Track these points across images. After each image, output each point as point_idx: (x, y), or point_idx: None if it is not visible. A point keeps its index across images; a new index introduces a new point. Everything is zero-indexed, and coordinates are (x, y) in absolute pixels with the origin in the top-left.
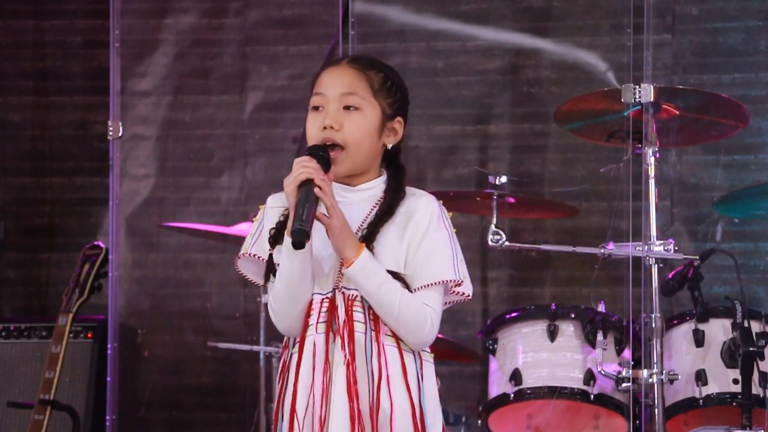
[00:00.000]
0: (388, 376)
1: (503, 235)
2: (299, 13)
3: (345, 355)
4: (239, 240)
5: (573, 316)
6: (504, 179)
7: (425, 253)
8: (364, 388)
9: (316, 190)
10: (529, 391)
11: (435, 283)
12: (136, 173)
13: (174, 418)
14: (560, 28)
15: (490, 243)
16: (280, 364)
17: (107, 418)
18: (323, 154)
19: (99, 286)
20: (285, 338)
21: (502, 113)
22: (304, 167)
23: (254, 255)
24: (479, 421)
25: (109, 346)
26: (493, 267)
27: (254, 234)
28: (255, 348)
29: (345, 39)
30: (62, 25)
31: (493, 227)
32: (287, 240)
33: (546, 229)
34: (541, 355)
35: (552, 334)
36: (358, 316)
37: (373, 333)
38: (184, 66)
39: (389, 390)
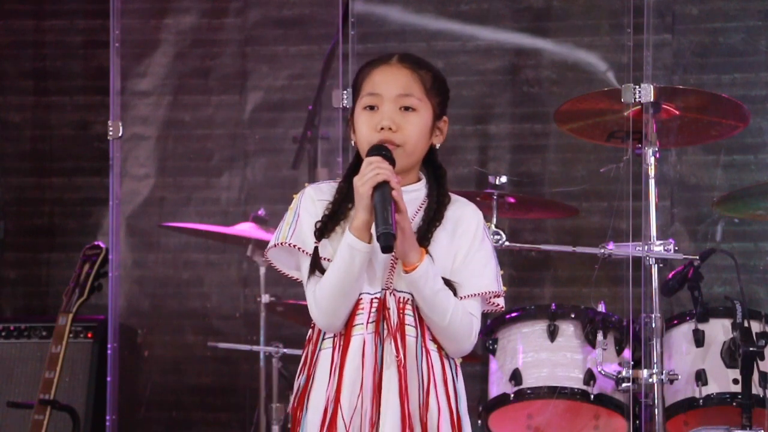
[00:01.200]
0: (435, 381)
1: (503, 235)
2: (299, 13)
3: (400, 359)
4: (239, 240)
5: (573, 316)
6: (504, 179)
7: (475, 263)
8: (413, 392)
9: (394, 193)
10: (529, 391)
11: (480, 294)
12: (136, 173)
13: (174, 418)
14: (560, 28)
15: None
16: (303, 359)
17: (107, 418)
18: (387, 154)
19: (99, 286)
20: (309, 333)
21: (502, 113)
22: (380, 168)
23: (295, 246)
24: (479, 421)
25: (109, 346)
26: None
27: (291, 223)
28: (255, 348)
29: (345, 39)
30: (62, 25)
31: (493, 227)
32: (351, 238)
33: (546, 229)
34: (541, 355)
35: (552, 334)
36: (409, 319)
37: (421, 338)
38: (184, 66)
39: (437, 394)
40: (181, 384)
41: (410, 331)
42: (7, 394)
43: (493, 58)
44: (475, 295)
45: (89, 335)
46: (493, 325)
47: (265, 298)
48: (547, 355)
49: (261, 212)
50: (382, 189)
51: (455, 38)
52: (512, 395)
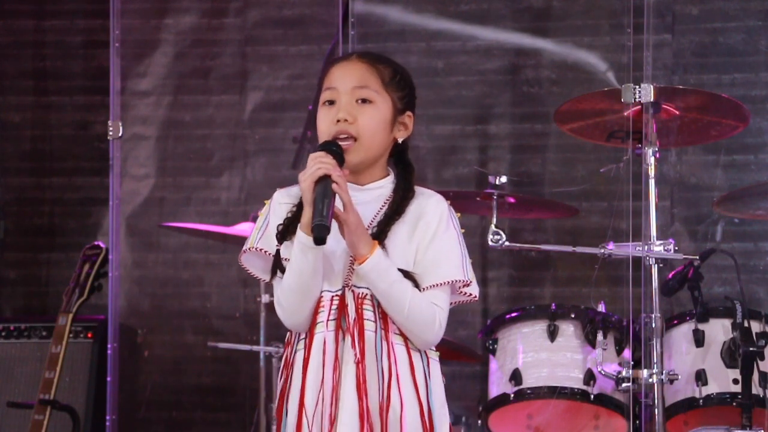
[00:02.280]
0: (397, 374)
1: (503, 235)
2: (299, 13)
3: (355, 354)
4: (239, 240)
5: (573, 316)
6: (504, 179)
7: (435, 253)
8: (373, 387)
9: (334, 186)
10: (529, 391)
11: (444, 283)
12: (136, 173)
13: (174, 418)
14: (560, 28)
15: (490, 243)
16: (282, 361)
17: (107, 418)
18: (336, 150)
19: (99, 286)
20: (287, 336)
21: (502, 113)
22: (321, 162)
23: (261, 250)
24: (479, 421)
25: (109, 346)
26: (493, 267)
27: (260, 228)
28: (255, 348)
29: (345, 39)
30: (62, 25)
31: (493, 227)
32: (301, 235)
33: (546, 229)
34: (541, 355)
35: (552, 334)
36: (368, 314)
37: (383, 332)
38: (184, 66)
39: (399, 388)
40: (181, 384)
41: (369, 326)
42: (7, 394)
43: (493, 58)
44: (437, 285)
45: (89, 335)
46: (493, 325)
47: (265, 298)
48: (547, 355)
49: (260, 212)
50: (324, 183)
51: (455, 38)
52: (512, 395)
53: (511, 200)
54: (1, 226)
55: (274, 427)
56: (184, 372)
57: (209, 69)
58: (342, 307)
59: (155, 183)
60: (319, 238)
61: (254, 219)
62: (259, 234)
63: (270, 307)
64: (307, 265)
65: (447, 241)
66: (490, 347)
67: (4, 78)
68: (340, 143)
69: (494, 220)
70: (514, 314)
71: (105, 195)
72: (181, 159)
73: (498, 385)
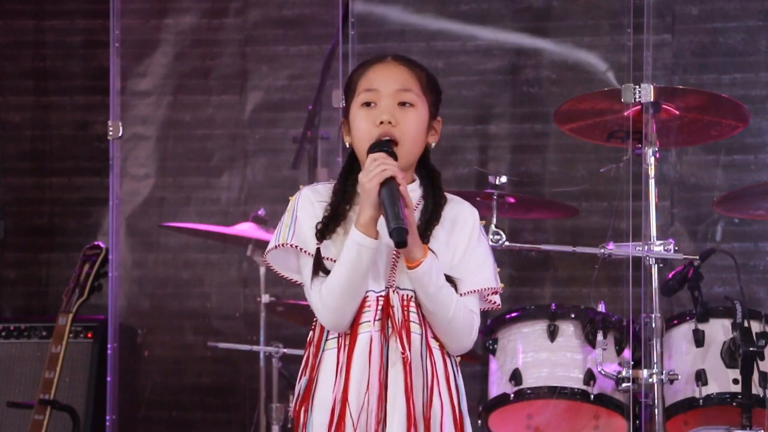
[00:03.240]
0: (437, 378)
1: (503, 235)
2: (299, 13)
3: (406, 356)
4: (239, 240)
5: (573, 316)
6: (504, 179)
7: (474, 259)
8: (417, 390)
9: (401, 188)
10: (529, 391)
11: (478, 290)
12: (136, 173)
13: (174, 418)
14: (560, 28)
15: (490, 243)
16: (304, 361)
17: (107, 418)
18: (389, 150)
19: (99, 286)
20: (310, 335)
21: (502, 113)
22: (386, 164)
23: (296, 247)
24: (479, 421)
25: (109, 346)
26: None
27: (289, 225)
28: (255, 348)
29: (345, 39)
30: (62, 25)
31: (493, 227)
32: (357, 235)
33: (546, 229)
34: (541, 355)
35: (552, 334)
36: (414, 317)
37: (425, 335)
38: (184, 66)
39: (440, 392)
40: (181, 384)
41: (415, 329)
42: (7, 394)
43: (493, 58)
44: (474, 291)
45: (89, 335)
46: (493, 325)
47: (265, 298)
48: (547, 355)
49: (261, 212)
50: (390, 185)
51: (455, 38)
52: (512, 395)
53: (511, 200)
54: (1, 226)
55: (275, 427)
56: (184, 372)
57: (209, 69)
58: (387, 308)
59: (155, 183)
60: (402, 242)
61: (254, 219)
62: (289, 231)
63: (270, 307)
64: (360, 265)
65: (482, 248)
66: (490, 347)
67: (4, 78)
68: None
69: (494, 220)
70: (514, 314)
71: (105, 195)
72: (181, 159)
73: (498, 385)
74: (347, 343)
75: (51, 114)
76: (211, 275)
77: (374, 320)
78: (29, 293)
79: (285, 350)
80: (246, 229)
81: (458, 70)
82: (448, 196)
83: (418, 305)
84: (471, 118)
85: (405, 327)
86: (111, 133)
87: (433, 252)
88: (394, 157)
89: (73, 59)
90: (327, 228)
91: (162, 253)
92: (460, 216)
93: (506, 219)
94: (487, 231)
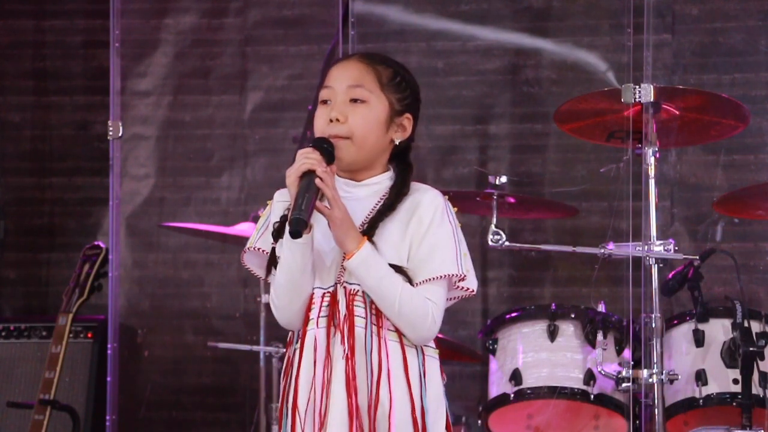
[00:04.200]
0: (389, 370)
1: (503, 235)
2: (299, 13)
3: (344, 350)
4: (239, 240)
5: (573, 316)
6: (504, 179)
7: (428, 247)
8: (363, 383)
9: (317, 181)
10: (529, 391)
11: (437, 278)
12: (136, 173)
13: (174, 418)
14: (560, 28)
15: (490, 243)
16: (285, 361)
17: (107, 418)
18: (327, 147)
19: (99, 286)
20: (289, 335)
21: (502, 113)
22: (306, 158)
23: (258, 249)
24: (479, 421)
25: (109, 346)
26: (493, 267)
27: (260, 229)
28: (255, 348)
29: (345, 39)
30: (62, 25)
31: (493, 227)
32: (288, 231)
33: (546, 229)
34: (541, 355)
35: (552, 334)
36: (359, 310)
37: (375, 327)
38: (184, 66)
39: (389, 385)
40: (181, 384)
41: (359, 322)
42: (7, 394)
43: (493, 58)
44: (430, 279)
45: (89, 335)
46: (493, 325)
47: (265, 298)
48: (547, 355)
49: (261, 212)
50: (308, 177)
51: (455, 38)
52: (512, 395)
53: (511, 200)
54: (1, 226)
55: (275, 427)
56: (184, 372)
57: (209, 69)
58: (333, 304)
59: (155, 183)
60: (295, 232)
61: (254, 219)
62: (258, 234)
63: (270, 307)
64: (295, 261)
65: (441, 234)
66: (490, 347)
67: (4, 78)
68: (332, 139)
69: (494, 220)
70: (514, 314)
71: (105, 195)
72: (181, 159)
73: (498, 385)
74: (300, 341)
75: (51, 114)
76: (211, 275)
77: (318, 317)
78: (29, 293)
79: (285, 350)
80: (246, 229)
81: (458, 70)
82: (415, 186)
83: (369, 299)
84: (471, 118)
85: (348, 321)
86: (111, 133)
87: (372, 244)
88: (329, 153)
89: (73, 59)
90: (282, 228)
91: (162, 253)
92: (420, 205)
93: (506, 219)
94: (486, 231)
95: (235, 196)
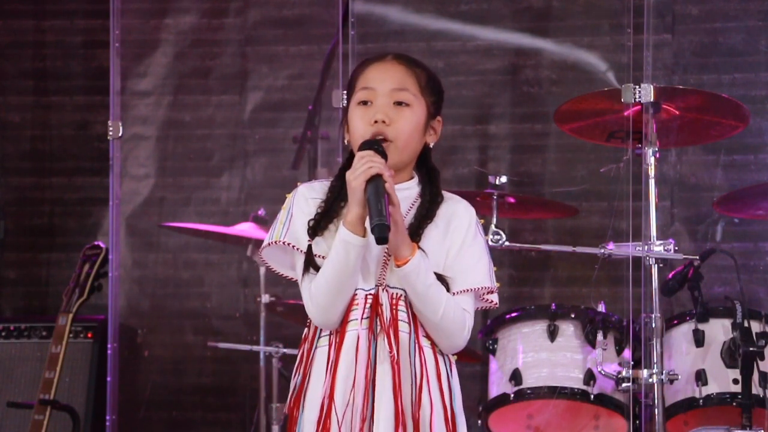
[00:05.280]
0: (427, 377)
1: (503, 235)
2: (299, 13)
3: (393, 354)
4: (239, 240)
5: (573, 316)
6: (504, 179)
7: (467, 258)
8: (406, 388)
9: (387, 185)
10: (529, 391)
11: (472, 289)
12: (136, 173)
13: (174, 418)
14: (560, 28)
15: (490, 243)
16: (299, 358)
17: (107, 418)
18: (379, 148)
19: (99, 286)
20: (305, 332)
21: (502, 113)
22: (373, 162)
23: (289, 244)
24: (479, 421)
25: (109, 346)
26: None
27: (284, 222)
28: (255, 348)
29: (345, 39)
30: (62, 25)
31: (493, 227)
32: (345, 233)
33: (546, 229)
34: (541, 355)
35: (552, 334)
36: (402, 315)
37: (414, 334)
38: (184, 66)
39: (429, 391)
40: (181, 384)
41: (403, 327)
42: (7, 394)
43: (493, 58)
44: (467, 290)
45: (89, 335)
46: (493, 325)
47: (265, 298)
48: (547, 355)
49: (261, 212)
50: (376, 182)
51: (455, 38)
52: (512, 395)
53: (511, 200)
54: (1, 226)
55: (275, 428)
56: (184, 372)
57: (209, 69)
58: (376, 306)
59: (155, 183)
60: (382, 238)
61: (254, 219)
62: (284, 228)
63: (270, 307)
64: (348, 263)
65: (477, 247)
66: (490, 347)
67: (4, 78)
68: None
69: (494, 220)
70: (514, 314)
71: (105, 195)
72: (181, 159)
73: (498, 385)
74: (337, 340)
75: (51, 114)
76: (211, 275)
77: (361, 318)
78: (29, 293)
79: (285, 350)
80: (246, 229)
81: (458, 70)
82: (446, 194)
83: (409, 304)
84: (471, 118)
85: (393, 325)
86: (111, 133)
87: (422, 250)
88: (384, 155)
89: (73, 59)
90: (319, 225)
91: (162, 253)
92: (455, 215)
93: (506, 219)
94: (486, 231)
95: (235, 196)
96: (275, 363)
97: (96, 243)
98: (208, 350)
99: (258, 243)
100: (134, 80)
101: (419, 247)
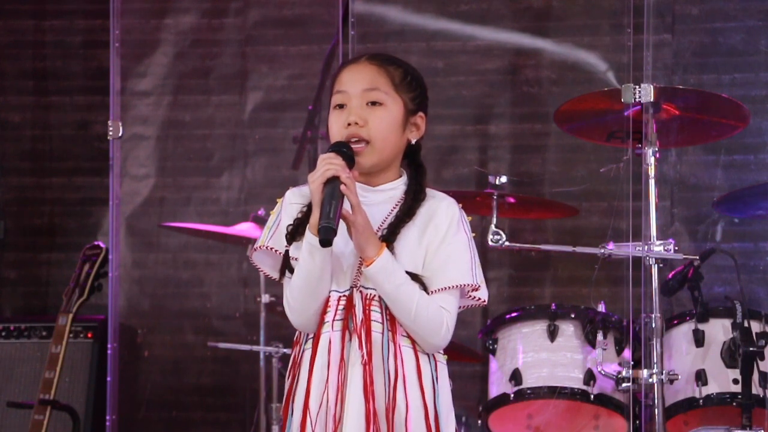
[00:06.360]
0: (404, 376)
1: (503, 235)
2: (299, 13)
3: (362, 355)
4: (239, 240)
5: (573, 316)
6: (504, 179)
7: (444, 256)
8: (380, 389)
9: (342, 187)
10: (529, 391)
11: (452, 287)
12: (136, 173)
13: (174, 418)
14: (560, 28)
15: (490, 243)
16: (291, 360)
17: (107, 418)
18: (347, 151)
19: (99, 286)
20: (296, 334)
21: (502, 113)
22: (330, 164)
23: (271, 248)
24: (479, 421)
25: (109, 346)
26: (493, 267)
27: (271, 227)
28: (255, 348)
29: (345, 39)
30: (62, 25)
31: (493, 227)
32: (309, 236)
33: (546, 229)
34: (541, 355)
35: (552, 334)
36: (376, 315)
37: (390, 333)
38: (184, 66)
39: (405, 391)
40: (181, 384)
41: (376, 327)
42: (7, 394)
43: (493, 58)
44: (445, 288)
45: (89, 335)
46: (493, 325)
47: (265, 298)
48: (547, 355)
49: (261, 212)
50: (332, 184)
51: (455, 38)
52: (512, 395)
53: (511, 200)
54: (1, 226)
55: (275, 428)
56: (184, 372)
57: (209, 69)
58: (349, 308)
59: (155, 183)
60: (325, 240)
61: (254, 219)
62: (269, 233)
63: (270, 307)
64: (314, 266)
65: (456, 244)
66: (490, 347)
67: (4, 78)
68: (352, 146)
69: (494, 220)
70: (514, 314)
71: (105, 195)
72: (181, 159)
73: (498, 385)
74: (314, 344)
75: (51, 114)
76: (211, 275)
77: (333, 320)
78: (29, 293)
79: (285, 350)
80: (246, 229)
81: (458, 70)
82: (431, 192)
83: (385, 305)
84: (471, 118)
85: (365, 326)
86: (111, 133)
87: (391, 250)
88: (350, 157)
89: (73, 59)
90: (297, 230)
91: (162, 253)
92: (436, 213)
93: (506, 219)
94: (486, 231)
95: (235, 196)
96: (275, 363)
97: (96, 243)
98: (208, 350)
99: None
100: (134, 80)
101: (389, 247)
